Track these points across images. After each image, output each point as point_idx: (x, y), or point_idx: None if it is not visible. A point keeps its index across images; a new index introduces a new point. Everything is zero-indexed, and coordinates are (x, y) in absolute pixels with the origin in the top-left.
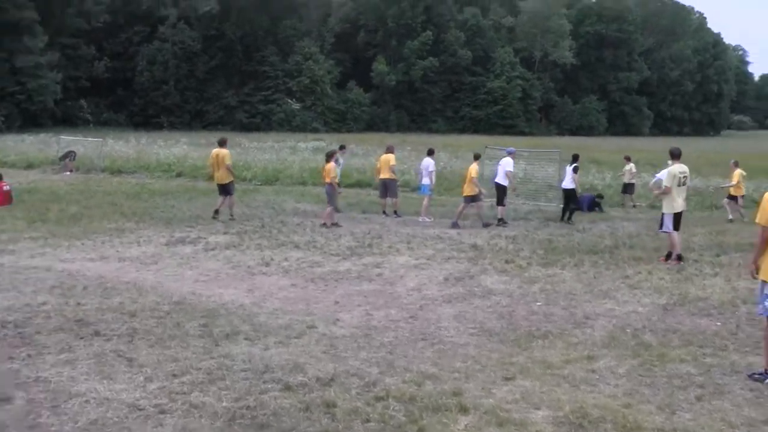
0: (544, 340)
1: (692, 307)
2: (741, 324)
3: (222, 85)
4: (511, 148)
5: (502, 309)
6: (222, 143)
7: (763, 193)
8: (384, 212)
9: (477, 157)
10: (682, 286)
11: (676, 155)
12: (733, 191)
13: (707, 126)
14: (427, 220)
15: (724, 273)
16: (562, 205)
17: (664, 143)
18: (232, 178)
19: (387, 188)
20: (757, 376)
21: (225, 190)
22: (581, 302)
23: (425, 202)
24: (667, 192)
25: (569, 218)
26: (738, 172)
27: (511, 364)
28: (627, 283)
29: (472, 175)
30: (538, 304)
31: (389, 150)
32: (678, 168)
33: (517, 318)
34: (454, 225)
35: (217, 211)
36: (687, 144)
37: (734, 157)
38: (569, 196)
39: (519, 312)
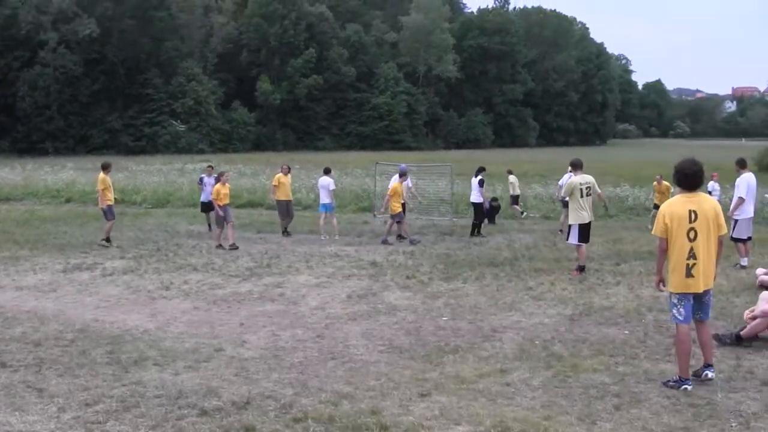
0: (455, 354)
1: (598, 317)
2: (649, 332)
3: (105, 108)
4: (403, 165)
5: (408, 325)
6: (104, 167)
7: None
8: (284, 231)
9: (403, 175)
10: (586, 295)
11: (577, 166)
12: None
13: (593, 135)
14: (336, 237)
15: (626, 281)
16: (473, 220)
17: (550, 154)
18: (106, 203)
19: (288, 209)
20: (671, 383)
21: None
22: (487, 315)
23: (333, 221)
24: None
25: (478, 232)
26: (665, 185)
27: (425, 380)
28: (531, 294)
29: (398, 192)
30: (444, 318)
31: (286, 171)
32: (579, 179)
33: (424, 333)
34: (384, 241)
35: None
36: (574, 154)
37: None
38: (477, 209)
39: (426, 327)
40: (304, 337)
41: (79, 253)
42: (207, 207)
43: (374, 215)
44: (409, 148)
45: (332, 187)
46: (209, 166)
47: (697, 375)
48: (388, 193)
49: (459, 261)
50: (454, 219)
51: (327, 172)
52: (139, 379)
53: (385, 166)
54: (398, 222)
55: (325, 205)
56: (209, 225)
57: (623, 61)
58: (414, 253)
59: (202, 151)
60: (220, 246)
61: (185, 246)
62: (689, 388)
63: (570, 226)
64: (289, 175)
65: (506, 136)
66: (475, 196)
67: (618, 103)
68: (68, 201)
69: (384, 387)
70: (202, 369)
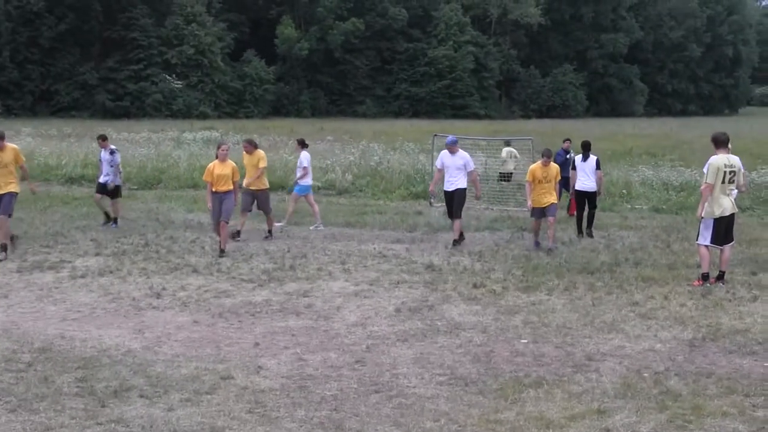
0: (538, 389)
1: (728, 343)
2: None
3: (76, 57)
4: (452, 137)
5: (476, 349)
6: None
7: None
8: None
9: (302, 144)
10: (712, 314)
11: (721, 142)
12: None
13: (721, 102)
14: (321, 227)
15: (765, 296)
16: (589, 209)
17: (663, 126)
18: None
19: (256, 200)
20: None
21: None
22: (579, 338)
23: (291, 205)
24: (706, 192)
25: (589, 229)
26: None
27: (499, 423)
28: (637, 311)
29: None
30: (524, 341)
31: (252, 145)
32: (724, 159)
33: (497, 360)
34: (537, 245)
35: None
36: (695, 126)
37: (756, 142)
38: (591, 199)
39: (499, 352)
40: (338, 363)
41: (41, 247)
42: (102, 189)
43: (431, 203)
44: (476, 116)
45: (305, 163)
46: (100, 137)
47: None
48: (527, 178)
49: (542, 265)
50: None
51: (304, 144)
52: (119, 416)
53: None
54: (536, 218)
55: (302, 186)
56: (106, 214)
57: (764, 2)
58: (483, 255)
59: (204, 116)
60: (222, 252)
61: (182, 240)
62: None
63: (701, 220)
64: (259, 152)
65: (604, 102)
66: (589, 182)
67: (756, 59)
68: (23, 178)
69: (444, 431)
70: (205, 403)
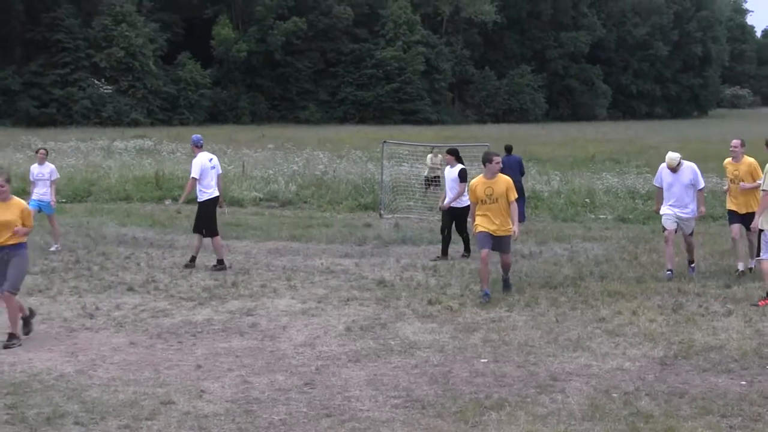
0: (500, 411)
1: (702, 360)
2: None
3: None
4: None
5: (433, 369)
6: None
7: None
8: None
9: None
10: (684, 330)
11: None
12: None
13: (689, 104)
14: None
15: (740, 311)
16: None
17: (628, 130)
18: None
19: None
20: None
21: None
22: (543, 357)
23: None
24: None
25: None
26: None
27: None
28: (604, 328)
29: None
30: (484, 360)
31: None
32: None
33: (456, 381)
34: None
35: None
36: (662, 130)
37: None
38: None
39: (458, 373)
40: (286, 385)
41: None
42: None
43: (380, 215)
44: (428, 122)
45: (54, 176)
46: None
47: None
48: (470, 199)
49: (501, 280)
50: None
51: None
52: None
53: (396, 147)
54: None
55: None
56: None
57: None
58: (438, 269)
59: (136, 123)
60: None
61: (116, 256)
62: None
63: (762, 232)
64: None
65: (565, 105)
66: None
67: (726, 58)
68: None
69: None
70: (144, 430)
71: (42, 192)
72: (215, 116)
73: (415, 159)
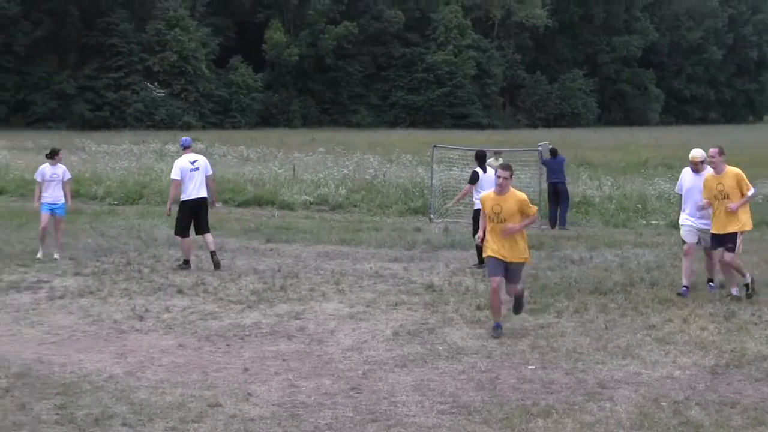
0: (546, 419)
1: (754, 370)
2: None
3: (53, 64)
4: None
5: (480, 375)
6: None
7: None
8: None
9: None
10: (736, 339)
11: None
12: None
13: (744, 108)
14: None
15: None
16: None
17: (681, 135)
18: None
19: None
20: None
21: None
22: (591, 364)
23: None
24: None
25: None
26: None
27: None
28: (654, 335)
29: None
30: (531, 367)
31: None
32: None
33: (503, 388)
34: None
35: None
36: (715, 135)
37: None
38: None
39: (505, 379)
40: (332, 390)
41: (17, 266)
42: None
43: (430, 219)
44: (478, 126)
45: (66, 176)
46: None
47: None
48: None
49: (551, 285)
50: (543, 227)
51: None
52: None
53: (446, 151)
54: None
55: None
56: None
57: None
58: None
59: (188, 126)
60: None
61: (166, 259)
62: None
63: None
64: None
65: (617, 110)
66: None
67: None
68: (0, 193)
69: None
70: None
71: (56, 195)
72: (267, 120)
73: (465, 163)
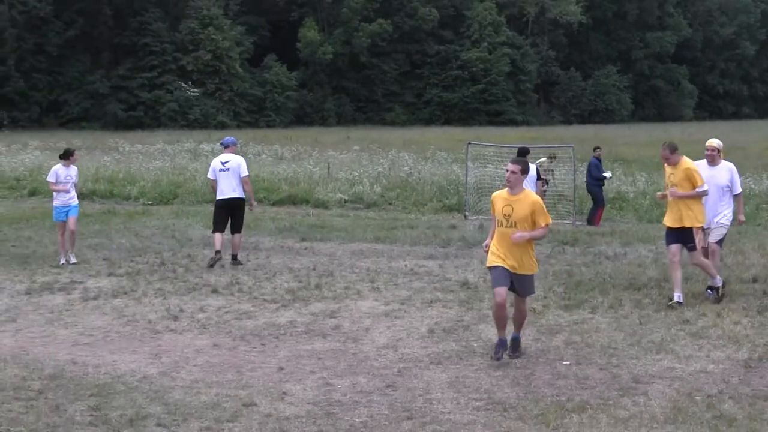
0: (581, 414)
1: None
2: None
3: (86, 64)
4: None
5: (515, 372)
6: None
7: None
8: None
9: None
10: None
11: None
12: None
13: None
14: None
15: None
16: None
17: (714, 130)
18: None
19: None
20: None
21: None
22: (626, 359)
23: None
24: None
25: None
26: None
27: None
28: (687, 330)
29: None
30: (566, 363)
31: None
32: None
33: (538, 384)
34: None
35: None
36: (749, 130)
37: None
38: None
39: (540, 375)
40: (368, 388)
41: (50, 267)
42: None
43: (465, 216)
44: (513, 123)
45: (77, 177)
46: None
47: None
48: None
49: (585, 281)
50: (578, 223)
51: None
52: None
53: (481, 148)
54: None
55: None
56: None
57: None
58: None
59: (223, 125)
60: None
61: (200, 258)
62: None
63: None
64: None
65: (651, 106)
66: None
67: None
68: (33, 194)
69: None
70: None
71: (70, 196)
72: (301, 118)
73: (500, 160)
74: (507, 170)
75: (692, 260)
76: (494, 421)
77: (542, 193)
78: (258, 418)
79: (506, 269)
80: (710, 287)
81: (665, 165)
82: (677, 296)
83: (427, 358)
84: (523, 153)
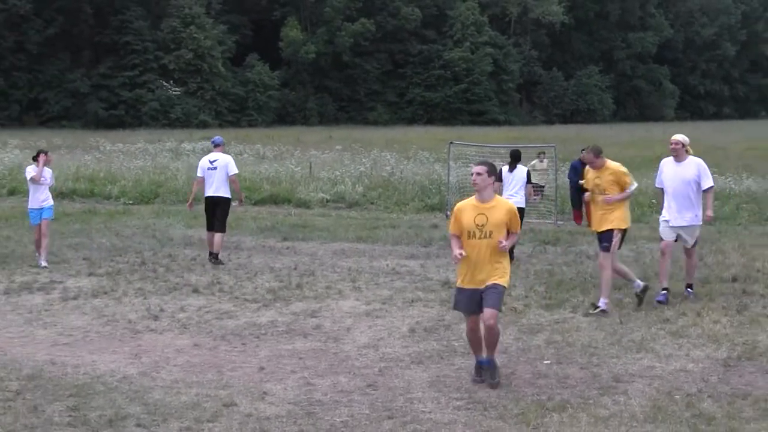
0: (562, 413)
1: (766, 362)
2: None
3: (66, 63)
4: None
5: None
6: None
7: None
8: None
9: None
10: (748, 332)
11: None
12: None
13: (757, 104)
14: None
15: None
16: None
17: (695, 130)
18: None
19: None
20: None
21: None
22: (606, 358)
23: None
24: None
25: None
26: None
27: None
28: (668, 329)
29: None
30: (546, 362)
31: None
32: None
33: (519, 383)
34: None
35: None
36: (729, 130)
37: None
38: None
39: (520, 374)
40: (348, 387)
41: (29, 267)
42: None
43: (447, 216)
44: (495, 122)
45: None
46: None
47: None
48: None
49: (566, 281)
50: (560, 222)
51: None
52: None
53: (463, 148)
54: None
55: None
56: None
57: None
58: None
59: (204, 125)
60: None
61: (181, 258)
62: None
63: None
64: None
65: (632, 106)
66: (515, 198)
67: None
68: (12, 193)
69: None
70: None
71: (43, 198)
72: (283, 118)
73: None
74: (472, 173)
75: (601, 260)
76: (475, 420)
77: (532, 199)
78: (238, 418)
79: (472, 292)
80: (688, 285)
81: (588, 169)
82: (602, 303)
83: (408, 358)
84: (515, 155)
